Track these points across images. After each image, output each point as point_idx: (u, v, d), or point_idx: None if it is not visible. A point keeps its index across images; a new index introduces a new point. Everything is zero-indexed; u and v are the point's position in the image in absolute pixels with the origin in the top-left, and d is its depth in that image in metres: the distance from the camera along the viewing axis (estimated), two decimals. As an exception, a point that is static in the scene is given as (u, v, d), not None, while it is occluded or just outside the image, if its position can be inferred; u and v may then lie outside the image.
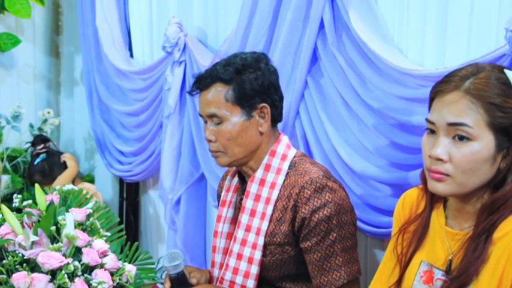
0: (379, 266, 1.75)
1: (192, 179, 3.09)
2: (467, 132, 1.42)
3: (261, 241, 1.95)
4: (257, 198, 1.97)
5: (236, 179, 2.10)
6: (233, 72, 1.97)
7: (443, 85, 1.48)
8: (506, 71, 1.45)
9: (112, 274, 1.61)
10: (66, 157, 3.74)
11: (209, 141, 2.01)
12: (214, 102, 1.97)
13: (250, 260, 1.95)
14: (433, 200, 1.60)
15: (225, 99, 1.96)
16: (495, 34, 1.97)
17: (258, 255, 1.95)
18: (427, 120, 1.50)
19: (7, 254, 1.59)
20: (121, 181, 3.87)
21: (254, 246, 1.95)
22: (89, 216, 1.71)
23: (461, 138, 1.42)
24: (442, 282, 1.52)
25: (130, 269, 1.65)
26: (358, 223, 2.36)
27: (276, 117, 2.04)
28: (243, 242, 1.97)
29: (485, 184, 1.46)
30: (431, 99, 1.51)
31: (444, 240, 1.54)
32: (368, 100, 2.25)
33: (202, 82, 2.02)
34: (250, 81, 1.97)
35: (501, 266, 1.41)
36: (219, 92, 1.97)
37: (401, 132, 2.18)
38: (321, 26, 2.42)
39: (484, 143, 1.42)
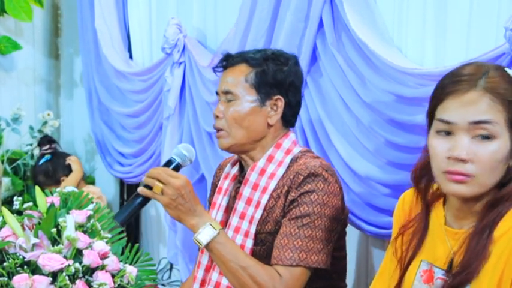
0: (380, 266, 1.74)
1: (192, 180, 3.08)
2: (490, 131, 1.41)
3: (253, 229, 1.95)
4: (255, 187, 1.97)
5: (236, 167, 2.10)
6: (261, 58, 2.01)
7: (456, 85, 1.45)
8: (507, 69, 1.45)
9: (113, 276, 1.61)
10: (71, 160, 3.75)
11: (216, 117, 2.02)
12: (234, 80, 2.00)
13: (241, 248, 1.94)
14: (428, 200, 1.60)
15: (244, 80, 1.99)
16: (494, 33, 1.97)
17: (249, 243, 1.94)
18: (440, 120, 1.46)
19: (8, 256, 1.59)
20: (121, 182, 3.87)
21: (246, 234, 1.95)
22: (89, 218, 1.71)
23: (484, 137, 1.41)
24: (443, 281, 1.52)
25: (131, 270, 1.65)
26: (359, 223, 2.36)
27: (289, 118, 2.04)
28: (236, 229, 1.97)
29: (495, 184, 1.45)
30: (440, 101, 1.48)
31: (444, 239, 1.54)
32: (367, 100, 2.25)
33: (229, 60, 2.06)
34: (273, 71, 2.00)
35: (501, 265, 1.41)
36: (241, 72, 2.01)
37: (402, 131, 2.18)
38: (320, 26, 2.42)
39: (502, 140, 1.41)
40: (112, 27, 3.61)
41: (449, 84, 1.47)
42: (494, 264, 1.42)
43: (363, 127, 2.30)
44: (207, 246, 1.81)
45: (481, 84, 1.42)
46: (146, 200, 1.81)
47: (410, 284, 1.59)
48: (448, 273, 1.51)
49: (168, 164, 1.86)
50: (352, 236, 2.50)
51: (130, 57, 3.64)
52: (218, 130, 2.02)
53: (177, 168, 1.85)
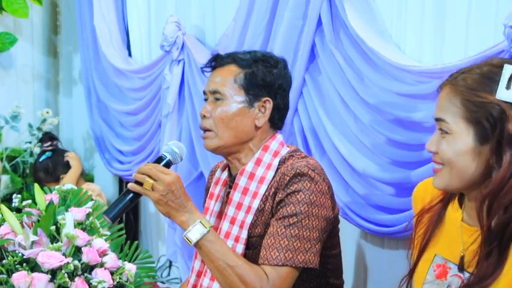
0: None
1: (191, 177, 3.08)
2: (446, 127, 1.47)
3: (244, 234, 1.93)
4: (245, 191, 1.96)
5: (226, 172, 2.08)
6: (251, 60, 2.00)
7: (445, 81, 1.52)
8: (507, 65, 1.44)
9: (112, 273, 1.61)
10: (69, 156, 3.76)
11: (203, 116, 2.00)
12: (223, 80, 1.99)
13: None
14: (449, 194, 1.61)
15: (233, 80, 1.98)
16: (493, 30, 1.97)
17: (239, 248, 1.93)
18: None
19: (7, 253, 1.59)
20: (120, 180, 3.87)
21: (237, 239, 1.94)
22: (88, 215, 1.71)
23: (443, 131, 1.49)
24: (458, 278, 1.52)
25: (130, 268, 1.65)
26: (358, 220, 2.36)
27: (276, 121, 2.02)
28: (227, 235, 1.95)
29: (477, 179, 1.47)
30: None
31: (459, 236, 1.54)
32: (366, 97, 2.25)
33: (219, 60, 2.04)
34: (263, 73, 1.98)
35: None
36: (230, 72, 1.99)
37: (401, 129, 2.18)
38: (319, 23, 2.42)
39: (461, 137, 1.45)
40: (111, 24, 3.60)
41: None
42: (509, 269, 1.43)
43: (362, 125, 2.30)
44: (197, 243, 1.81)
45: (455, 81, 1.48)
46: (137, 196, 1.80)
47: (423, 278, 1.59)
48: (460, 272, 1.51)
49: (158, 160, 1.85)
50: (350, 234, 2.50)
51: (129, 54, 3.64)
52: (205, 130, 2.01)
53: (168, 165, 1.85)
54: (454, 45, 2.09)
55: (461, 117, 1.45)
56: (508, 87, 1.41)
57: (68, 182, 3.44)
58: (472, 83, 1.45)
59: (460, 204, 1.59)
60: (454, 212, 1.59)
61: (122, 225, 1.98)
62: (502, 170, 1.41)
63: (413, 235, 1.67)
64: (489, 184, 1.44)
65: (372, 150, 2.30)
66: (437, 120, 1.49)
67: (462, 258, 1.52)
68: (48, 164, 3.72)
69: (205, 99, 2.04)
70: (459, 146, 1.45)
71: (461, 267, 1.52)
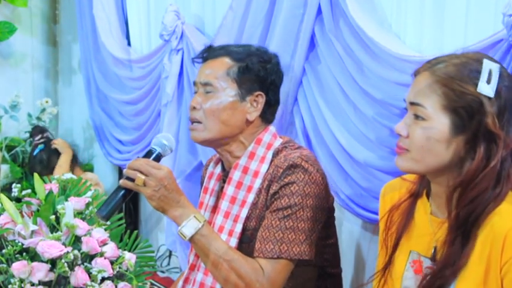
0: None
1: (190, 167, 3.08)
2: (422, 113, 1.47)
3: (238, 228, 1.92)
4: (239, 185, 1.95)
5: (220, 166, 2.07)
6: (245, 53, 1.98)
7: (421, 67, 1.52)
8: (486, 60, 1.45)
9: (112, 262, 1.61)
10: (56, 144, 3.73)
11: (193, 108, 1.98)
12: (215, 72, 1.97)
13: None
14: (420, 188, 1.61)
15: (226, 73, 1.96)
16: (493, 19, 1.96)
17: (233, 242, 1.92)
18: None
19: (7, 243, 1.59)
20: (120, 170, 3.87)
21: (230, 233, 1.93)
22: (88, 205, 1.71)
23: (417, 117, 1.48)
24: (430, 270, 1.53)
25: (130, 257, 1.65)
26: (358, 210, 2.37)
27: (267, 116, 2.01)
28: (220, 229, 1.94)
29: (446, 167, 1.48)
30: None
31: (430, 229, 1.55)
32: (365, 87, 2.25)
33: (211, 52, 2.02)
34: (257, 67, 1.97)
35: (487, 250, 1.43)
36: (223, 64, 1.97)
37: (400, 118, 2.17)
38: (319, 12, 2.41)
39: (437, 124, 1.45)
40: (110, 14, 3.59)
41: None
42: (480, 251, 1.44)
43: (361, 114, 2.30)
44: (191, 238, 1.79)
45: (434, 68, 1.48)
46: (129, 192, 1.77)
47: (400, 275, 1.60)
48: (433, 262, 1.52)
49: (148, 154, 1.82)
50: (349, 223, 2.51)
51: (129, 44, 3.63)
52: (193, 122, 1.98)
53: (158, 158, 1.82)
54: (454, 34, 2.09)
55: (439, 105, 1.45)
56: (488, 82, 1.42)
57: (61, 169, 3.44)
58: (453, 72, 1.45)
59: (428, 197, 1.60)
60: (423, 206, 1.60)
61: (122, 214, 1.98)
62: (475, 163, 1.43)
63: (382, 234, 1.67)
64: (460, 175, 1.46)
65: (371, 139, 2.29)
66: (413, 104, 1.49)
67: (435, 250, 1.53)
68: (42, 157, 3.71)
69: (195, 92, 2.02)
70: (434, 133, 1.46)
71: (433, 259, 1.53)
